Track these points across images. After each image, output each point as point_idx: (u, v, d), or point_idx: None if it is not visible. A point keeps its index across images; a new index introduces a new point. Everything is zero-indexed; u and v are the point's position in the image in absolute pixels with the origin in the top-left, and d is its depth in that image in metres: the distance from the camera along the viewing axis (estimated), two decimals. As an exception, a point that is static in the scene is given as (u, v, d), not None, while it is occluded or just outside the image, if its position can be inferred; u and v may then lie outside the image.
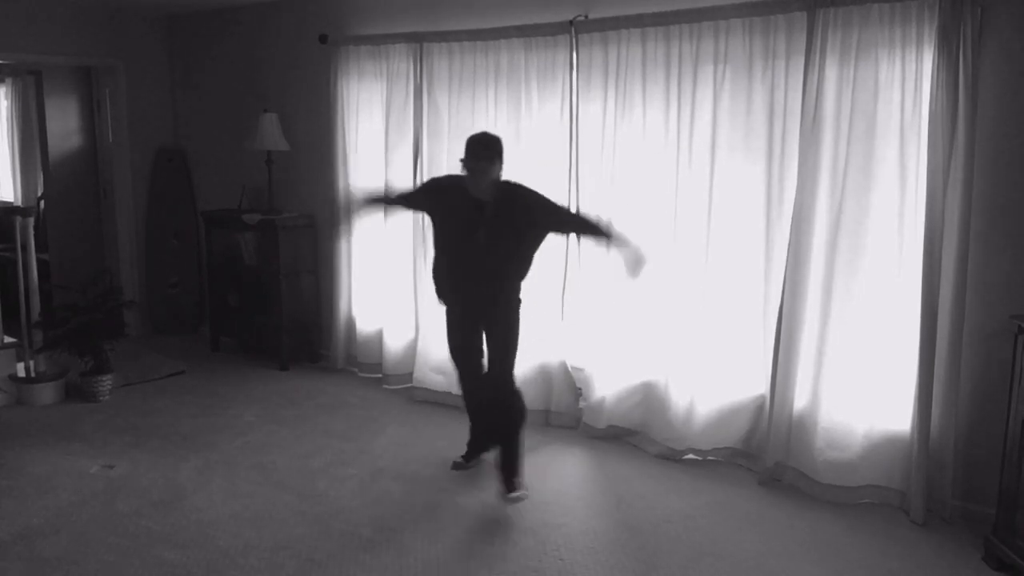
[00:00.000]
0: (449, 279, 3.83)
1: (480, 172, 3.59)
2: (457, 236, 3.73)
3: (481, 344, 3.87)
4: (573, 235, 4.35)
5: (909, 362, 3.59)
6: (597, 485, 4.00)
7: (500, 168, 3.66)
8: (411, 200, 4.33)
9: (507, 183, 3.71)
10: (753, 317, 4.05)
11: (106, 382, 5.15)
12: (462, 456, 4.13)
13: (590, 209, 4.40)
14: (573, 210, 4.37)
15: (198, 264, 6.76)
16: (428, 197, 4.03)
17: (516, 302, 3.80)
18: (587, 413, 4.58)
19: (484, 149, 3.61)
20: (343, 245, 5.54)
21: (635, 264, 3.66)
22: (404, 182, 5.14)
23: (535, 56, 4.53)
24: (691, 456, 4.24)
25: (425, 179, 4.67)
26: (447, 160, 4.91)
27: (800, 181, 3.75)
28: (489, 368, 3.86)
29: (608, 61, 4.27)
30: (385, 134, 5.22)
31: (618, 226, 3.95)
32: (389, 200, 4.47)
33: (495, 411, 3.87)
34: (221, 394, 5.28)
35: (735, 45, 3.88)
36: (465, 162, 3.63)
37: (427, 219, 5.03)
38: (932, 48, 3.39)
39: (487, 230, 3.62)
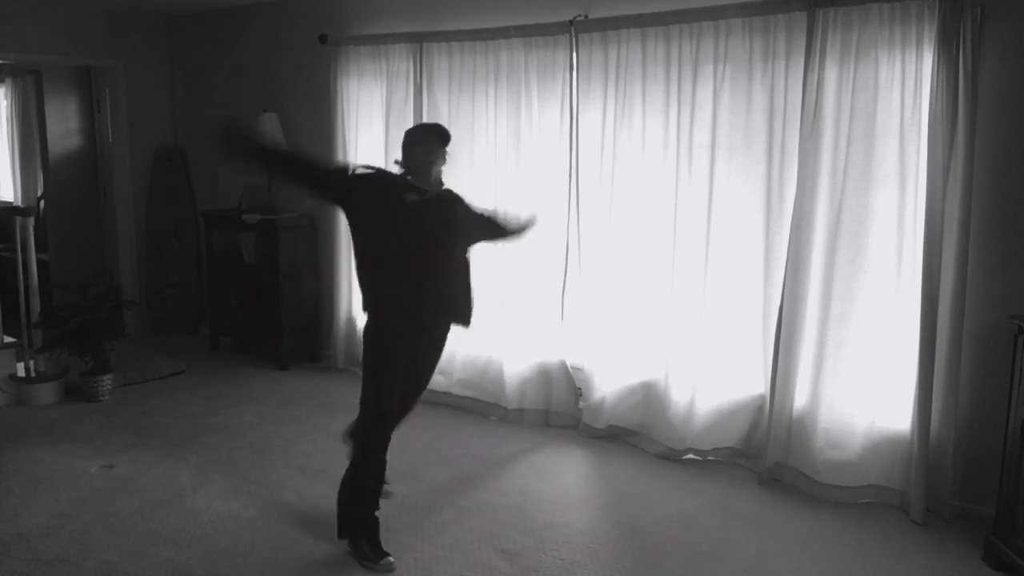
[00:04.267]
0: (400, 300, 3.19)
1: (440, 159, 3.27)
2: (410, 236, 3.17)
3: None
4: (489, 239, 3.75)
5: (909, 362, 3.59)
6: (597, 485, 4.00)
7: (444, 161, 3.34)
8: (323, 180, 3.35)
9: (447, 188, 3.37)
10: (753, 317, 4.05)
11: (106, 382, 5.15)
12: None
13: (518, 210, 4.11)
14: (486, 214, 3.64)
15: (198, 264, 6.76)
16: (361, 194, 3.23)
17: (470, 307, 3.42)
18: (587, 413, 4.58)
19: (444, 138, 3.29)
20: (343, 246, 5.55)
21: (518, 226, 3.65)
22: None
23: (535, 56, 4.53)
24: (691, 456, 4.24)
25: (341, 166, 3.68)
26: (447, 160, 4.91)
27: (800, 181, 3.75)
28: (401, 409, 3.36)
29: (608, 61, 4.27)
30: (385, 134, 5.22)
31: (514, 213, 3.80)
32: (278, 156, 3.47)
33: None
34: (221, 394, 5.28)
35: (735, 45, 3.88)
36: (418, 147, 3.23)
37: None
38: (932, 48, 3.39)
39: (441, 229, 3.24)
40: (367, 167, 3.39)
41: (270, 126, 5.61)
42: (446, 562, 3.26)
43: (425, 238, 3.20)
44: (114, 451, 4.34)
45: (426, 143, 3.25)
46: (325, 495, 3.83)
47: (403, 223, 3.17)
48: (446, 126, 3.44)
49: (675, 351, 4.23)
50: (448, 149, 3.32)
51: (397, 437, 4.54)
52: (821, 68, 3.63)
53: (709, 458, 4.22)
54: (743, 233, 4.03)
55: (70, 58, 6.33)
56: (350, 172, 3.41)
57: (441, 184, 3.34)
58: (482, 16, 4.76)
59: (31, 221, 5.22)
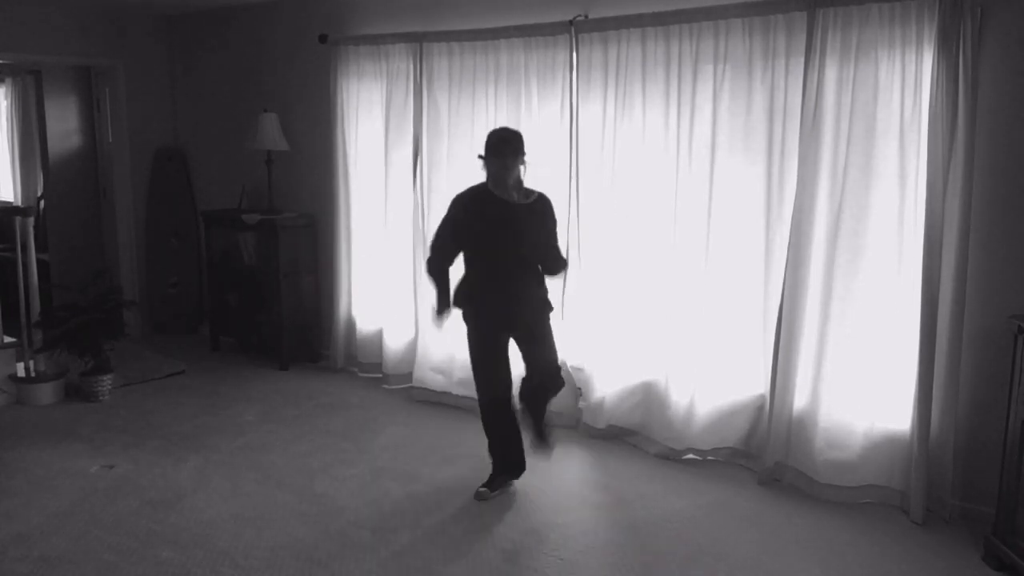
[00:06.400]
0: (485, 287, 3.66)
1: (505, 169, 3.55)
2: (492, 240, 3.62)
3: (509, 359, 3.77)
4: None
5: (909, 362, 3.59)
6: (597, 485, 4.00)
7: (523, 164, 3.62)
8: (456, 237, 3.71)
9: (540, 193, 3.70)
10: (753, 317, 4.05)
11: (106, 382, 5.15)
12: (485, 485, 3.82)
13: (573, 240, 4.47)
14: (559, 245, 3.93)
15: (198, 264, 6.76)
16: (462, 218, 3.67)
17: (549, 301, 3.78)
18: (587, 413, 4.58)
19: (507, 146, 3.56)
20: (343, 246, 5.56)
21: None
22: (403, 188, 5.15)
23: (535, 56, 4.53)
24: (691, 456, 4.24)
25: (447, 207, 3.81)
26: (447, 160, 4.92)
27: (800, 181, 3.75)
28: (536, 371, 3.74)
29: (608, 61, 4.27)
30: (385, 134, 5.22)
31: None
32: (444, 269, 3.78)
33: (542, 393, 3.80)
34: (221, 394, 5.28)
35: (735, 45, 3.88)
36: (487, 160, 3.57)
37: (428, 220, 5.06)
38: (932, 48, 3.39)
39: (522, 227, 3.60)
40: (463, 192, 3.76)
41: (270, 126, 5.61)
42: (446, 562, 3.26)
43: (494, 241, 3.62)
44: (114, 451, 4.34)
45: (488, 156, 3.58)
46: (325, 494, 3.84)
47: (481, 228, 3.63)
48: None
49: (675, 351, 4.22)
50: (524, 155, 3.61)
51: (397, 438, 4.56)
52: (821, 68, 3.63)
53: (709, 458, 4.22)
54: (743, 233, 4.03)
55: (70, 58, 6.33)
56: (451, 210, 3.76)
57: (523, 189, 3.65)
58: (482, 16, 4.76)
59: (31, 221, 5.22)
